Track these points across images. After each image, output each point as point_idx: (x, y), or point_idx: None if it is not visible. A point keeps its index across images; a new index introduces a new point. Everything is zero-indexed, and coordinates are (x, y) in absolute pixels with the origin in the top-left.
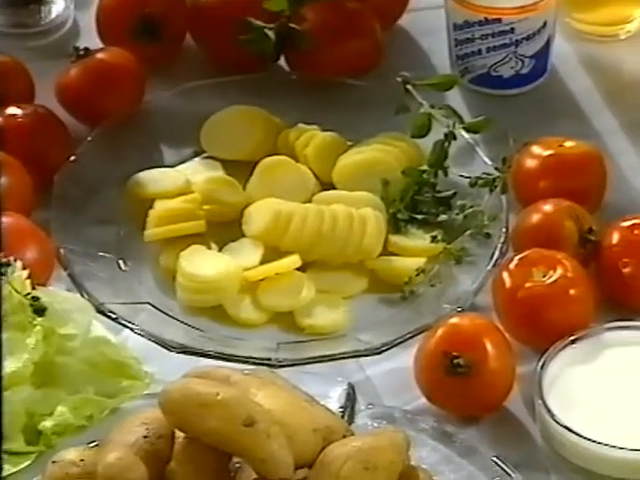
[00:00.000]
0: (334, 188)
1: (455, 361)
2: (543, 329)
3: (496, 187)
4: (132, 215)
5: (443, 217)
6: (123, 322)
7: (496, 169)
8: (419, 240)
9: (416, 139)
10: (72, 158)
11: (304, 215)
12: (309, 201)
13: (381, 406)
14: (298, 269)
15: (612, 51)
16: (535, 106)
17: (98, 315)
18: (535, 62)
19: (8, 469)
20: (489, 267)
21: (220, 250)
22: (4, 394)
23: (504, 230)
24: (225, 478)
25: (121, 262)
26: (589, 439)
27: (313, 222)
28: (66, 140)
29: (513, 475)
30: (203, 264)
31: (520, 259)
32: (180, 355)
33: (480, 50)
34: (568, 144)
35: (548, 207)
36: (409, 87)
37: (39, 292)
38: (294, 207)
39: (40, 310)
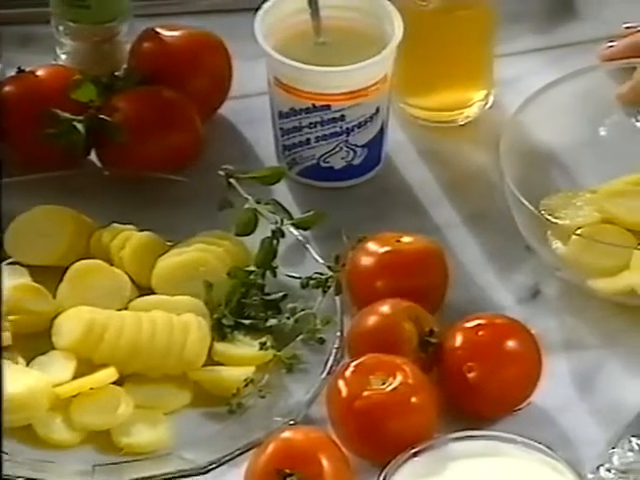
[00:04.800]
0: (153, 293)
1: (288, 479)
2: (383, 441)
3: (329, 288)
4: None
5: (272, 322)
6: None
7: (329, 268)
8: (247, 347)
9: (241, 237)
10: None
11: (120, 324)
12: (125, 308)
13: None
14: (114, 383)
15: (450, 138)
16: (370, 199)
17: None
18: (368, 152)
19: None
20: (323, 375)
21: (28, 364)
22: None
23: (339, 334)
24: None
25: None
26: None
27: (130, 331)
28: None
29: None
30: (9, 380)
31: (356, 366)
32: None
33: (308, 140)
34: (406, 239)
35: (385, 308)
36: (232, 181)
37: None
38: (109, 315)
39: None
